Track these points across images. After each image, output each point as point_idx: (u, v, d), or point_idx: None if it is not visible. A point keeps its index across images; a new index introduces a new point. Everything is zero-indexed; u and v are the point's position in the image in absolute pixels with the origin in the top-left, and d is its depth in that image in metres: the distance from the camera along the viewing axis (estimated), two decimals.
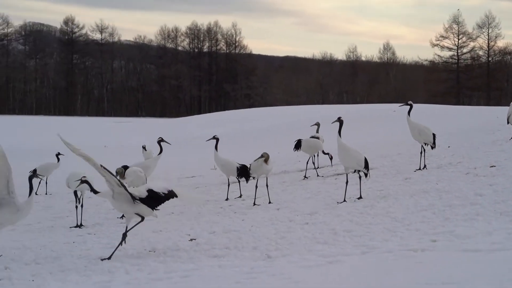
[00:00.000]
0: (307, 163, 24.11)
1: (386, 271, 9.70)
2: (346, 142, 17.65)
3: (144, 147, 32.04)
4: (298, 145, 24.04)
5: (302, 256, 11.48)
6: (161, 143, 20.83)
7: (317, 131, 25.32)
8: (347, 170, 17.55)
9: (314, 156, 24.66)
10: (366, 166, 17.26)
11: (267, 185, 18.71)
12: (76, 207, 17.40)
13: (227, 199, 20.02)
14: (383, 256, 10.76)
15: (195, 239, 13.89)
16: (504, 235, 11.21)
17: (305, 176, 23.34)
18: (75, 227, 17.07)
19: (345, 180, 17.41)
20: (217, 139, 20.99)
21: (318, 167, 24.35)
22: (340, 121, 17.76)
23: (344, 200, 16.91)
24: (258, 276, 10.39)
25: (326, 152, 23.47)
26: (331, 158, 23.47)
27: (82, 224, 17.20)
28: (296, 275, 10.11)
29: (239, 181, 20.63)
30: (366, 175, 17.44)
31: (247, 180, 20.18)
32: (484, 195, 14.94)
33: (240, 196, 20.36)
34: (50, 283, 11.01)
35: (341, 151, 17.40)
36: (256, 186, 18.71)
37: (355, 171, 17.81)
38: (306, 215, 15.52)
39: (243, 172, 20.05)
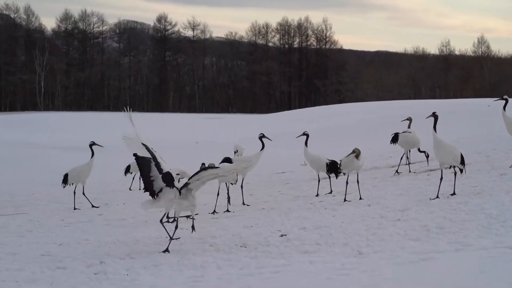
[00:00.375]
0: (401, 158, 23.74)
1: (481, 269, 9.50)
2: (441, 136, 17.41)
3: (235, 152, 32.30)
4: (395, 138, 23.70)
5: (394, 252, 11.36)
6: (263, 139, 20.80)
7: (409, 126, 24.92)
8: (442, 165, 17.29)
9: (409, 151, 24.26)
10: (462, 161, 16.99)
11: (358, 181, 18.54)
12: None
13: (317, 195, 19.96)
14: (477, 254, 10.55)
15: (285, 235, 13.89)
16: None
17: (397, 171, 23.04)
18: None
19: (439, 176, 17.07)
20: (307, 135, 20.95)
21: (410, 163, 23.95)
22: (435, 116, 17.61)
23: (437, 197, 16.64)
24: (350, 272, 10.33)
25: (422, 150, 22.91)
26: (427, 157, 22.83)
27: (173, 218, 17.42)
28: (388, 272, 10.01)
29: (329, 177, 20.53)
30: (461, 170, 17.16)
31: (336, 176, 20.08)
32: None
33: (331, 192, 20.26)
34: (144, 277, 11.20)
35: (437, 146, 17.19)
36: (347, 182, 18.60)
37: (450, 167, 17.53)
38: (398, 211, 15.34)
39: (333, 168, 19.96)
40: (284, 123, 61.22)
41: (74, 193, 20.69)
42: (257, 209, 18.33)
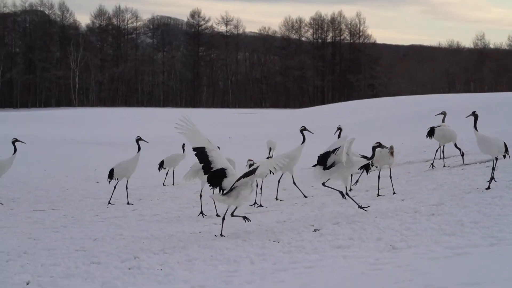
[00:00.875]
0: (436, 152, 23.58)
1: None
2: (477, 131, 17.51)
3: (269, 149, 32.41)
4: (431, 132, 23.53)
5: (428, 247, 11.30)
6: (304, 132, 20.69)
7: (443, 121, 24.72)
8: (493, 156, 17.74)
9: (443, 146, 24.08)
10: (506, 149, 17.47)
11: (390, 176, 18.48)
12: (201, 196, 17.79)
13: (350, 190, 19.92)
14: None
15: (318, 230, 13.88)
16: None
17: (432, 165, 22.93)
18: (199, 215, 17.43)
19: (492, 166, 17.54)
20: (340, 129, 20.89)
21: (445, 157, 23.77)
22: (475, 115, 18.28)
23: (489, 187, 16.87)
24: (384, 267, 10.30)
25: (458, 146, 22.74)
26: (462, 155, 22.66)
27: (204, 213, 17.52)
28: (423, 267, 9.96)
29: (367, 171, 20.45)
30: (504, 156, 17.68)
31: (367, 172, 19.99)
32: None
33: (356, 183, 20.34)
34: (178, 272, 11.26)
35: (481, 142, 17.63)
36: (379, 177, 18.57)
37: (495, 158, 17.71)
38: (432, 206, 15.26)
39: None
40: (318, 118, 61.09)
41: (115, 187, 20.83)
42: (290, 204, 18.35)
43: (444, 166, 22.90)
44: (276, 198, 19.40)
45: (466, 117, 18.15)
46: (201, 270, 11.34)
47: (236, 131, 55.51)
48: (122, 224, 16.83)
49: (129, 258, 12.49)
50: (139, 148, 21.26)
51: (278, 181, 19.67)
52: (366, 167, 19.71)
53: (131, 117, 76.37)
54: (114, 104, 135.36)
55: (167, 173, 25.55)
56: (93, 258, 12.66)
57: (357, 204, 15.21)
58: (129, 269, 11.73)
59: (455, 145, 22.78)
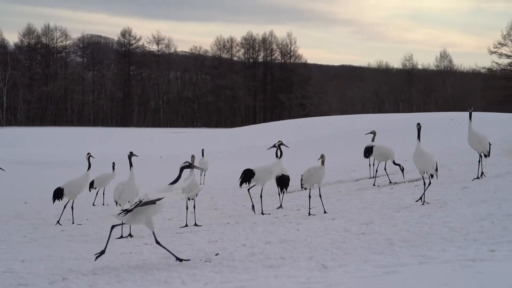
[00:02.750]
0: (375, 170, 23.86)
1: (444, 282, 9.55)
2: (403, 149, 17.85)
3: (202, 151, 32.53)
4: (369, 151, 23.91)
5: (358, 266, 11.38)
6: (281, 146, 20.72)
7: (373, 140, 25.09)
8: (421, 173, 18.19)
9: (377, 164, 24.41)
10: (436, 168, 18.04)
11: (320, 195, 18.63)
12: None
13: (280, 207, 20.05)
14: (441, 267, 10.60)
15: (218, 254, 13.76)
16: None
17: (374, 184, 23.31)
18: (126, 236, 17.23)
19: (422, 184, 18.03)
20: (279, 146, 20.95)
21: (376, 176, 24.07)
22: (418, 126, 18.52)
23: (423, 203, 17.42)
24: (314, 286, 10.32)
25: (397, 163, 23.09)
26: (402, 170, 22.99)
27: (132, 234, 17.32)
28: (353, 286, 10.02)
29: (280, 192, 20.81)
30: (432, 176, 18.07)
31: (282, 191, 20.45)
32: None
33: (279, 207, 20.54)
34: None
35: (420, 155, 18.06)
36: (310, 196, 18.68)
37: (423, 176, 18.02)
38: (362, 225, 15.41)
39: (281, 182, 20.36)
40: (249, 138, 61.27)
41: (65, 207, 20.54)
42: (222, 224, 18.31)
43: (374, 185, 23.19)
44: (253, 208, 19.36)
45: (417, 127, 18.45)
46: None
47: (167, 151, 55.25)
48: (50, 245, 16.53)
49: (57, 279, 12.27)
50: (89, 166, 21.06)
51: (261, 196, 19.75)
52: (282, 186, 20.14)
53: (60, 137, 75.31)
54: (43, 124, 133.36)
55: (97, 193, 25.26)
56: (20, 279, 12.39)
57: None
58: None
59: (394, 162, 23.14)
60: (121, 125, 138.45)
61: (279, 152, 20.49)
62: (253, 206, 20.01)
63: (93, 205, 24.69)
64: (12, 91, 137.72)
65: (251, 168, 20.16)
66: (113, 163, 25.24)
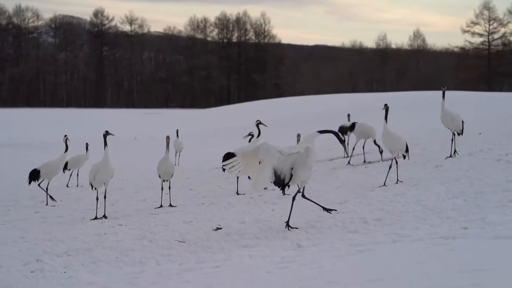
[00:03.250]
0: (363, 147, 23.80)
1: (417, 259, 9.62)
2: (380, 128, 18.00)
3: (177, 132, 32.50)
4: (351, 127, 23.95)
5: (333, 245, 11.44)
6: (259, 125, 20.70)
7: (349, 120, 25.19)
8: (394, 154, 18.13)
9: (349, 144, 24.46)
10: (407, 149, 18.05)
11: None
12: (97, 198, 17.57)
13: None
14: (414, 245, 10.68)
15: (220, 228, 13.89)
16: None
17: (364, 161, 23.62)
18: (101, 218, 17.16)
19: (389, 165, 17.90)
20: (257, 125, 20.94)
21: (352, 156, 24.10)
22: (386, 108, 18.49)
23: (385, 184, 17.40)
24: (289, 265, 10.37)
25: (378, 143, 23.08)
26: (381, 152, 22.96)
27: (106, 216, 17.26)
28: (327, 264, 10.07)
29: None
30: (404, 157, 18.26)
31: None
32: None
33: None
34: (82, 275, 11.09)
35: (387, 136, 18.08)
36: None
37: (398, 156, 18.10)
38: (337, 204, 15.47)
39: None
40: (224, 118, 61.25)
41: (47, 188, 20.47)
42: (196, 204, 18.31)
43: (348, 164, 23.29)
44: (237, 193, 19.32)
45: (382, 109, 18.48)
46: (106, 272, 11.21)
47: (142, 132, 55.08)
48: (24, 227, 16.46)
49: (31, 261, 12.25)
50: (66, 148, 21.08)
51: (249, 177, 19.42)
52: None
53: (33, 118, 74.77)
54: (15, 105, 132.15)
55: (71, 175, 25.15)
56: None
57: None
58: (32, 272, 11.50)
59: (374, 141, 23.17)
60: (95, 106, 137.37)
61: (258, 131, 20.51)
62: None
63: (67, 186, 24.60)
64: None
65: (231, 152, 20.11)
66: (87, 144, 25.12)
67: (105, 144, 17.83)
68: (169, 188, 18.64)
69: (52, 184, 21.18)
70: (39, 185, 20.71)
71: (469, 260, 9.24)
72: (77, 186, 24.69)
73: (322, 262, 10.27)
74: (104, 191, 17.68)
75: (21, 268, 11.80)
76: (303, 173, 13.31)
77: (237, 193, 19.62)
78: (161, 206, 18.38)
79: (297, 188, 13.63)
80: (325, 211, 13.79)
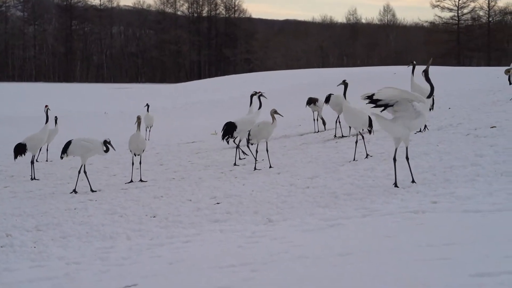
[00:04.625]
0: (336, 122, 23.70)
1: (387, 233, 9.70)
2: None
3: (147, 106, 32.39)
4: (327, 99, 23.88)
5: (303, 220, 11.49)
6: (260, 97, 20.78)
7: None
8: (356, 129, 18.21)
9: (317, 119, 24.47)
10: (370, 124, 18.02)
11: (267, 150, 18.68)
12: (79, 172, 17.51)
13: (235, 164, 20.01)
14: (384, 219, 10.76)
15: (219, 203, 13.88)
16: (504, 196, 11.20)
17: (335, 136, 23.41)
18: (71, 192, 17.10)
19: (355, 140, 17.91)
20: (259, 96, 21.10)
21: (319, 131, 24.17)
22: (345, 83, 18.49)
23: (354, 159, 17.44)
24: (260, 240, 10.41)
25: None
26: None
27: (76, 190, 17.18)
28: (298, 239, 10.12)
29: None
30: (370, 132, 18.42)
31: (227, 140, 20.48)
32: (484, 156, 14.92)
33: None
34: (52, 249, 11.06)
35: (347, 112, 18.15)
36: (256, 151, 18.70)
37: (362, 130, 18.17)
38: (307, 179, 15.52)
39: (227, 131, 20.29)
40: (195, 93, 61.02)
41: (32, 162, 20.39)
42: (167, 179, 18.29)
43: (316, 131, 23.35)
44: (270, 166, 18.49)
45: (338, 85, 18.53)
46: (76, 247, 11.19)
47: (112, 107, 54.73)
48: None
49: (1, 236, 12.20)
50: (47, 119, 21.07)
51: (267, 150, 18.90)
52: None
53: (1, 93, 73.99)
54: None
55: (40, 149, 24.94)
56: None
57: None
58: (1, 247, 11.46)
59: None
60: (64, 80, 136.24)
61: (259, 102, 20.56)
62: (255, 157, 19.09)
63: (36, 161, 24.40)
64: None
65: (232, 121, 20.15)
66: (55, 117, 24.91)
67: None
68: (140, 163, 18.58)
69: (20, 158, 21.05)
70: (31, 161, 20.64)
71: (438, 234, 9.33)
72: (46, 161, 24.52)
73: (292, 236, 10.32)
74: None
75: None
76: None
77: (235, 164, 19.75)
78: (131, 181, 18.35)
79: (395, 148, 13.43)
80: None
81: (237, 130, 19.95)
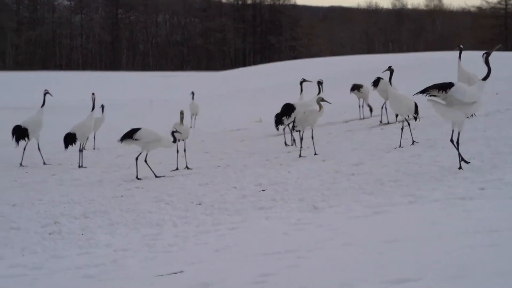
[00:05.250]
0: (381, 108, 23.38)
1: (433, 220, 9.62)
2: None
3: (192, 94, 32.53)
4: (376, 82, 23.49)
5: (348, 207, 11.46)
6: (303, 84, 20.99)
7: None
8: (402, 116, 18.03)
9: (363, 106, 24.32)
10: (416, 111, 17.72)
11: (312, 137, 18.59)
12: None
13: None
14: (430, 206, 10.67)
15: (264, 190, 13.89)
16: None
17: (381, 122, 23.25)
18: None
19: (401, 127, 17.69)
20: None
21: (364, 117, 23.98)
22: (390, 70, 18.30)
23: (413, 143, 17.40)
24: (305, 227, 10.41)
25: None
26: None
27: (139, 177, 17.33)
28: (343, 226, 10.10)
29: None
30: (415, 118, 18.05)
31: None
32: None
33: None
34: (100, 237, 11.18)
35: (393, 98, 17.96)
36: (301, 138, 18.63)
37: (408, 117, 17.97)
38: (352, 166, 15.45)
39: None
40: (240, 80, 61.10)
41: (80, 150, 20.70)
42: (212, 167, 18.33)
43: (361, 118, 23.21)
44: (315, 153, 18.44)
45: (383, 72, 18.37)
46: (124, 234, 11.30)
47: (157, 95, 55.04)
48: (41, 189, 16.55)
49: (49, 223, 12.36)
50: (94, 107, 21.28)
51: (312, 137, 18.60)
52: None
53: (49, 81, 74.80)
54: (32, 68, 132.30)
55: (87, 137, 25.17)
56: (12, 223, 12.49)
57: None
58: (50, 234, 11.61)
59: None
60: (110, 69, 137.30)
61: (318, 88, 20.84)
62: (300, 144, 18.91)
63: (84, 149, 24.63)
64: (0, 36, 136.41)
65: (291, 103, 20.32)
66: (102, 105, 25.07)
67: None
68: (184, 150, 18.64)
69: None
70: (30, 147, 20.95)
71: (485, 220, 9.23)
72: (94, 149, 24.74)
73: (337, 223, 10.30)
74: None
75: (39, 230, 11.92)
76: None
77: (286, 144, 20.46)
78: (177, 168, 18.43)
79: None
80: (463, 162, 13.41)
81: (295, 111, 20.06)
